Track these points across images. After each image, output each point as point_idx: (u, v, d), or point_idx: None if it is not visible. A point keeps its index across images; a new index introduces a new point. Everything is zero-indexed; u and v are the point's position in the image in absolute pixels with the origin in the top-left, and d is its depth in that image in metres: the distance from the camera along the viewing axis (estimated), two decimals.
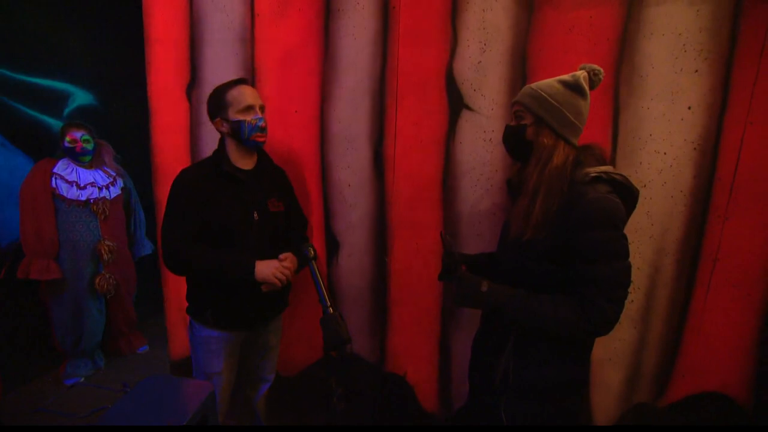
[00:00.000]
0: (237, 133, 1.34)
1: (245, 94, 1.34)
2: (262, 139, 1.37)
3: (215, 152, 1.41)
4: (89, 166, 2.26)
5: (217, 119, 1.36)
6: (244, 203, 1.37)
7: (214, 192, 1.33)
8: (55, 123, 2.41)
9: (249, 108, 1.34)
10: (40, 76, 2.34)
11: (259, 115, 1.36)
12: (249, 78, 1.70)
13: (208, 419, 0.69)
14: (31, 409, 2.10)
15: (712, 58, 1.30)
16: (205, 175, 1.35)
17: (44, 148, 2.33)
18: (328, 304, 0.99)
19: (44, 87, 2.37)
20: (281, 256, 1.37)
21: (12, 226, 2.25)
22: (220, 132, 1.38)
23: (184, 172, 1.38)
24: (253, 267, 1.29)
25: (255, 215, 1.37)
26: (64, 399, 2.22)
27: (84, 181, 2.21)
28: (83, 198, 2.20)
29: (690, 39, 1.30)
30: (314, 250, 1.12)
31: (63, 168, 2.18)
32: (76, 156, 2.20)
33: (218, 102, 1.35)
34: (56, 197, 2.15)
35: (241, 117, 1.33)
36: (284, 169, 1.59)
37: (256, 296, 1.36)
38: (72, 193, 2.17)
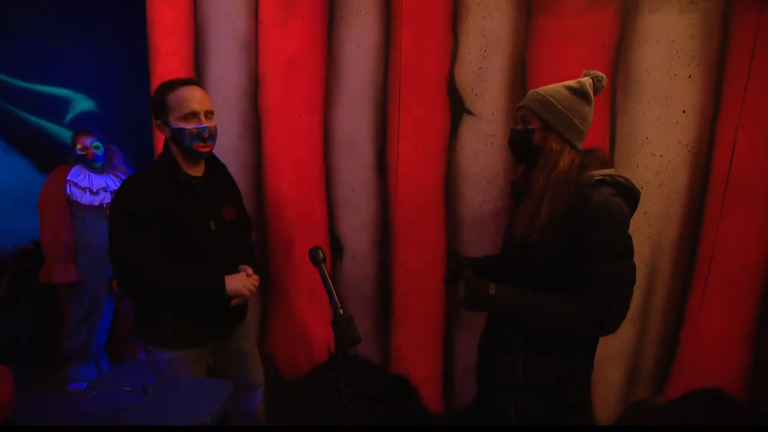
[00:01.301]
0: (177, 140, 1.23)
1: (189, 99, 1.21)
2: (204, 149, 1.25)
3: (161, 157, 1.29)
4: (101, 171, 2.32)
5: (158, 122, 1.25)
6: (200, 213, 1.28)
7: (168, 202, 1.21)
8: (57, 129, 2.43)
9: (192, 114, 1.21)
10: (42, 83, 2.37)
11: (204, 124, 1.23)
12: (254, 83, 1.73)
13: (228, 417, 0.72)
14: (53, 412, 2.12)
15: (705, 64, 1.34)
16: (157, 184, 1.22)
17: (47, 154, 2.35)
18: (339, 305, 1.01)
19: (46, 94, 2.40)
20: (243, 268, 1.35)
21: (14, 233, 2.26)
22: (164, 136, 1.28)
23: (132, 179, 1.25)
24: (224, 282, 1.25)
25: (212, 225, 1.30)
26: (87, 398, 2.27)
27: (96, 187, 2.27)
28: (96, 203, 2.25)
29: (683, 45, 1.34)
30: (323, 253, 1.13)
31: (76, 175, 2.24)
32: (87, 162, 2.26)
33: (158, 104, 1.23)
34: (72, 203, 2.21)
35: (182, 124, 1.20)
36: (231, 173, 1.50)
37: (215, 307, 1.32)
38: (86, 198, 2.23)
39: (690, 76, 1.36)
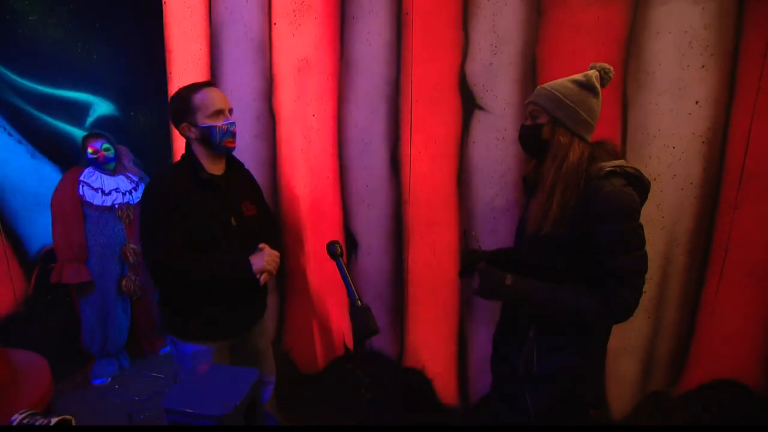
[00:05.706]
0: (207, 138, 1.29)
1: (213, 98, 1.29)
2: (232, 145, 1.34)
3: (185, 158, 1.36)
4: (113, 172, 2.36)
5: (183, 125, 1.30)
6: (221, 210, 1.34)
7: (192, 199, 1.28)
8: (78, 132, 2.51)
9: (218, 112, 1.29)
10: (64, 87, 2.44)
11: (230, 119, 1.32)
12: (268, 84, 1.77)
13: (257, 402, 0.75)
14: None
15: (718, 54, 1.34)
16: (182, 182, 1.29)
17: (69, 156, 2.42)
18: (357, 297, 1.04)
19: (68, 98, 2.47)
20: (260, 246, 1.37)
21: (41, 232, 2.34)
22: (187, 137, 1.33)
23: (159, 179, 1.33)
24: (250, 263, 1.29)
25: (233, 221, 1.35)
26: (123, 385, 2.43)
27: (108, 188, 2.31)
28: (108, 204, 2.30)
29: (696, 36, 1.34)
30: (341, 248, 1.17)
31: (89, 176, 2.29)
32: (100, 166, 2.30)
33: (183, 107, 1.29)
34: (84, 204, 2.25)
35: (211, 122, 1.28)
36: (250, 171, 1.56)
37: (237, 301, 1.38)
38: (98, 199, 2.27)
39: (703, 66, 1.35)
